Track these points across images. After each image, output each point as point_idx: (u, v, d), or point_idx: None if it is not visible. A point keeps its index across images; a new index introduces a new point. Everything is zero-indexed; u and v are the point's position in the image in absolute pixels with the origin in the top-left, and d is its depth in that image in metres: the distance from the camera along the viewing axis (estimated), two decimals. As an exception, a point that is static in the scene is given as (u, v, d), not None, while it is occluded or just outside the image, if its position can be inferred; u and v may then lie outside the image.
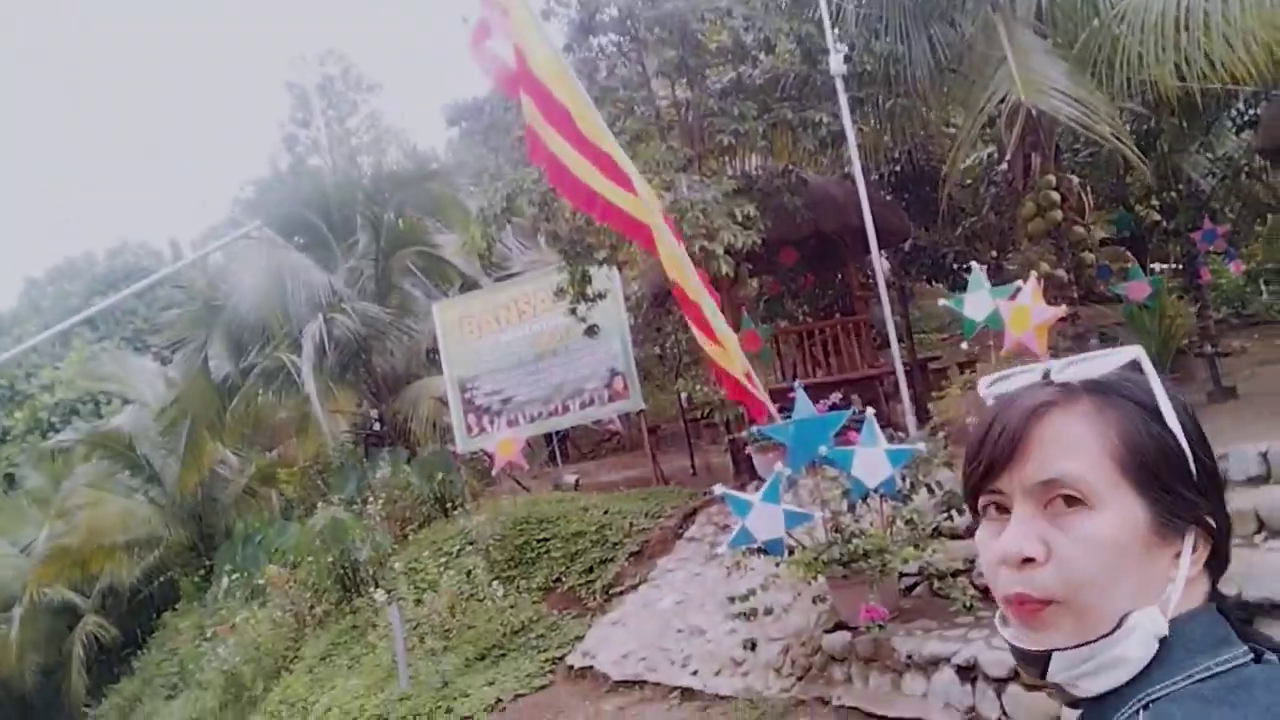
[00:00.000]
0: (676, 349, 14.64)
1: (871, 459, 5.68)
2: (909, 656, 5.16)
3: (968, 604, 5.40)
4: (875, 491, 5.85)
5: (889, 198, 12.71)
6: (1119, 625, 0.81)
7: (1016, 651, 0.87)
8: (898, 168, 13.33)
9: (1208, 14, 8.13)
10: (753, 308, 12.70)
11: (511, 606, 9.45)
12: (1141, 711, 0.80)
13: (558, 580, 9.93)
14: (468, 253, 16.31)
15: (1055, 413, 0.86)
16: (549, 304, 12.29)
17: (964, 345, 7.70)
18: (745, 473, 9.57)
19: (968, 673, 4.85)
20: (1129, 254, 13.32)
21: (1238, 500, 5.05)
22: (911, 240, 13.58)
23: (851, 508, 5.91)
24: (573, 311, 10.32)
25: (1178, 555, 0.84)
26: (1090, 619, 0.82)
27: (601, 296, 10.59)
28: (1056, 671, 0.84)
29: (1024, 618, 0.85)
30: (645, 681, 7.47)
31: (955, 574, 5.71)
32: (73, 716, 19.04)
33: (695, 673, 7.11)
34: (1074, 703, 0.86)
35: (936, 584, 5.93)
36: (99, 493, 19.89)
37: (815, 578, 5.85)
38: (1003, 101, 8.81)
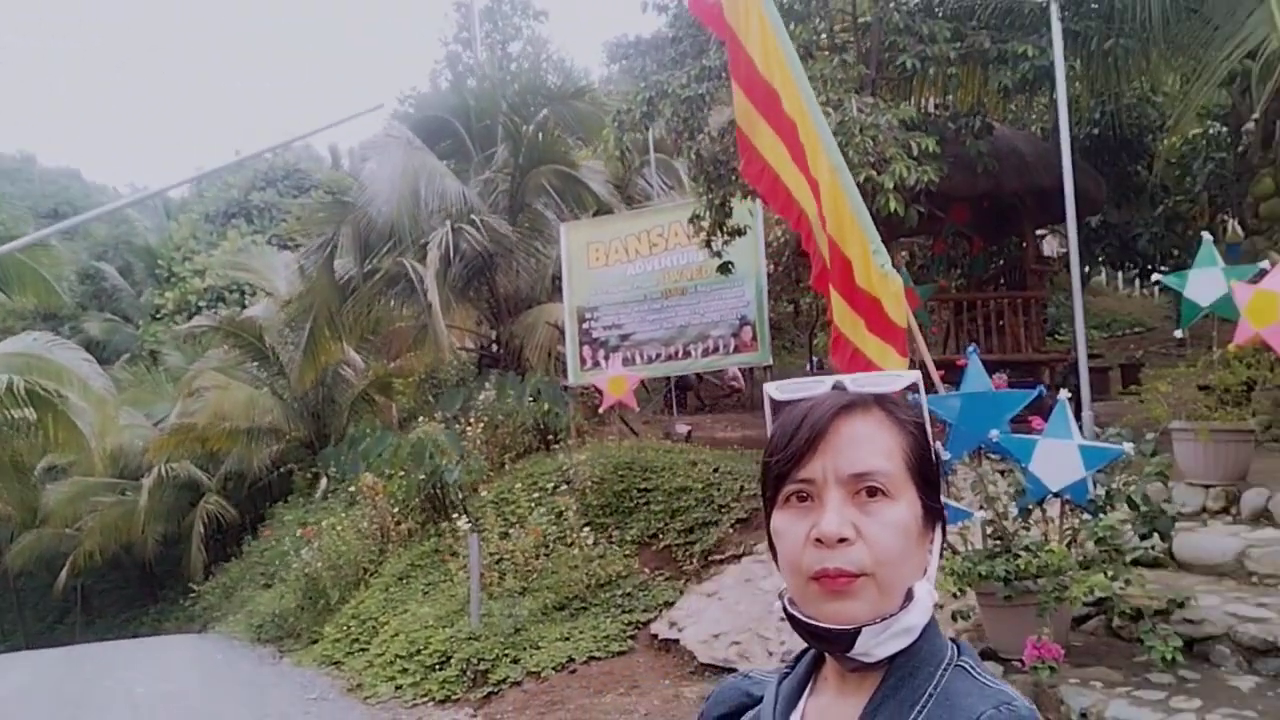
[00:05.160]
0: (815, 306, 13.41)
1: (1059, 455, 4.48)
2: (1083, 715, 4.00)
3: (1168, 656, 4.18)
4: (1057, 496, 4.66)
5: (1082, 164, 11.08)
6: (910, 597, 0.95)
7: (818, 631, 0.94)
8: (1095, 130, 11.62)
9: None
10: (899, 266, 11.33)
11: (601, 557, 8.65)
12: (948, 671, 0.95)
13: (654, 536, 9.05)
14: (609, 174, 15.46)
15: (858, 415, 0.98)
16: (683, 239, 11.27)
17: (1178, 333, 6.28)
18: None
19: (1166, 755, 3.67)
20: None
21: None
22: (1100, 217, 11.91)
23: (1025, 512, 4.72)
24: (707, 244, 9.27)
25: (931, 541, 1.00)
26: (890, 591, 0.94)
27: (740, 233, 9.49)
28: (863, 644, 0.93)
29: (836, 589, 0.92)
30: (735, 669, 6.52)
31: (1154, 615, 4.46)
32: (188, 588, 19.68)
33: (795, 671, 6.10)
34: (856, 667, 0.96)
35: (1117, 622, 4.72)
36: (227, 378, 20.31)
37: (962, 591, 4.73)
38: (1253, 55, 7.25)
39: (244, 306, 25.85)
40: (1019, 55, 8.03)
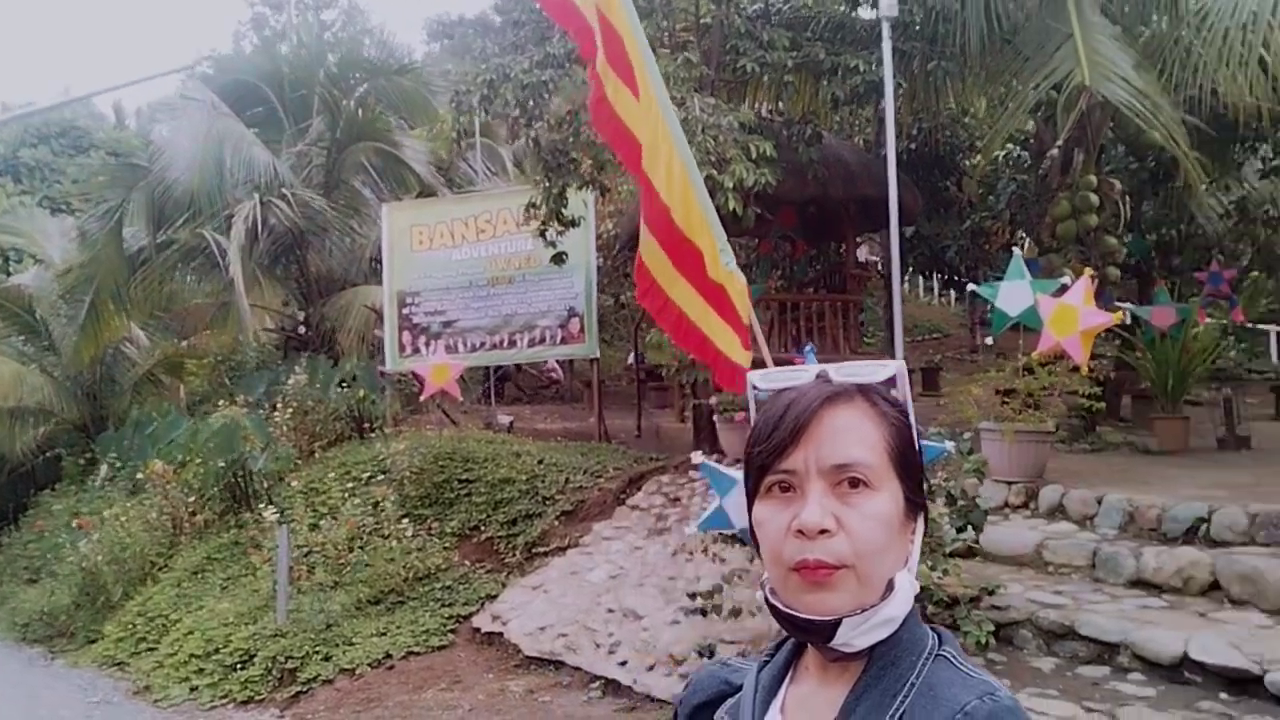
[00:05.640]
0: (640, 301, 13.52)
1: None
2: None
3: (982, 639, 4.44)
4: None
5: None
6: (890, 588, 0.94)
7: (798, 621, 0.94)
8: (913, 145, 12.36)
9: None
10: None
11: (419, 549, 8.34)
12: (930, 661, 0.95)
13: (476, 528, 8.84)
14: (432, 156, 14.97)
15: (841, 406, 0.97)
16: (512, 227, 11.09)
17: (989, 340, 6.73)
18: (706, 444, 8.56)
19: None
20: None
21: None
22: (914, 228, 12.67)
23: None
24: (542, 233, 9.13)
25: (913, 533, 1.00)
26: (871, 582, 0.93)
27: (574, 224, 9.41)
28: (844, 635, 0.92)
29: (817, 580, 0.92)
30: (562, 663, 6.44)
31: (968, 602, 4.74)
32: (-67, 586, 17.48)
33: (624, 663, 6.09)
34: (837, 657, 0.96)
35: (931, 609, 4.97)
36: (-13, 352, 18.21)
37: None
38: (1058, 88, 7.91)
39: (9, 274, 23.36)
40: (850, 69, 8.37)
